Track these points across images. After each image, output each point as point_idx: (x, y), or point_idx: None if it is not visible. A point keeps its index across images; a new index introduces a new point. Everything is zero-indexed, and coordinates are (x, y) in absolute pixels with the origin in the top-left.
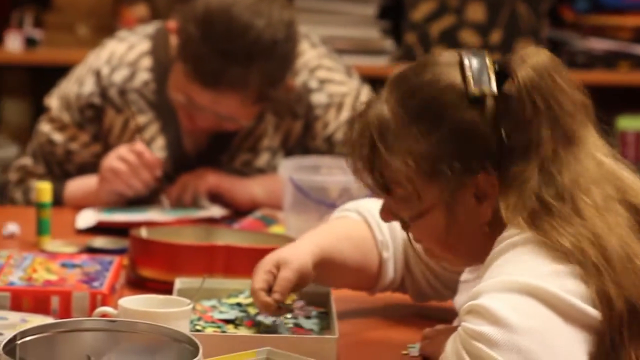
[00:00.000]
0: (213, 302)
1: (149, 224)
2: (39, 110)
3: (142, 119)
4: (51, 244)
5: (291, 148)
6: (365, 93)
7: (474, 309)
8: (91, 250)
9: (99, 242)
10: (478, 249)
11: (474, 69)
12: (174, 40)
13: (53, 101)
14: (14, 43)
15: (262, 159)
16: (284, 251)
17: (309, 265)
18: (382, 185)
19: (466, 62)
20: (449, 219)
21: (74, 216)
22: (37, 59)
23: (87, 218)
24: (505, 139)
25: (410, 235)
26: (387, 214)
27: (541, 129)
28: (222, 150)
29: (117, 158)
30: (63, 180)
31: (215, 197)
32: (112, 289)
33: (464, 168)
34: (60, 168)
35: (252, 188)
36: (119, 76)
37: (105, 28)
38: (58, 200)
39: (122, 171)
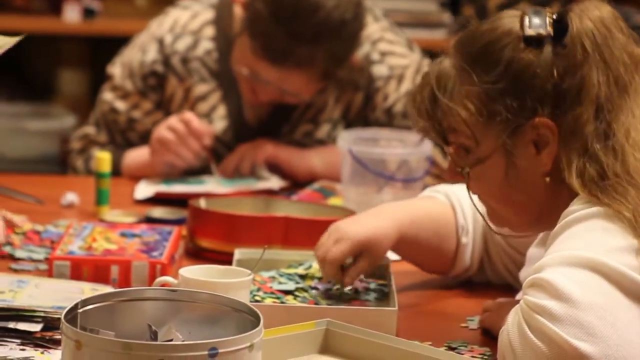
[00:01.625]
0: (272, 273)
1: (208, 195)
2: (96, 80)
3: (203, 88)
4: (110, 213)
5: (352, 120)
6: (426, 66)
7: (537, 282)
8: (150, 221)
9: (158, 212)
10: (539, 205)
11: (532, 16)
12: (238, 10)
13: (116, 69)
14: (72, 14)
15: (323, 131)
16: (369, 230)
17: (388, 248)
18: (441, 135)
19: (526, 13)
20: (508, 166)
21: (132, 187)
22: (95, 29)
23: (145, 189)
24: (559, 82)
25: (472, 194)
26: (451, 172)
27: (592, 73)
28: (283, 121)
29: (166, 128)
30: (125, 149)
31: (274, 168)
32: (172, 259)
33: (520, 108)
34: (122, 136)
35: (310, 159)
36: (182, 44)
37: None
38: (116, 170)
39: (170, 141)
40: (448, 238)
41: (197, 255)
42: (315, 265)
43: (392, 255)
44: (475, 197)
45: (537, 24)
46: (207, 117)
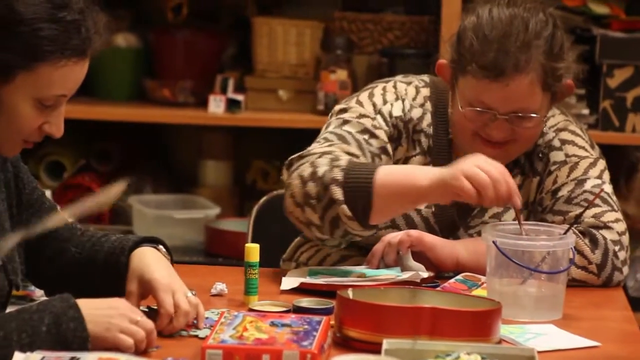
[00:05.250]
0: None
1: (354, 286)
2: (238, 171)
3: (419, 161)
4: (259, 303)
5: (530, 206)
6: (602, 164)
7: None
8: (298, 310)
9: (306, 302)
10: None
11: None
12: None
13: (352, 104)
14: (216, 106)
15: (510, 214)
16: None
17: None
18: None
19: None
20: None
21: (278, 277)
22: (238, 121)
23: (291, 280)
24: None
25: None
26: None
27: None
28: None
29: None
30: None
31: (418, 255)
32: (321, 349)
33: None
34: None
35: (456, 248)
36: (415, 114)
37: (306, 92)
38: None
39: (485, 182)
40: None
41: (344, 344)
42: (463, 356)
43: (540, 345)
44: None
45: None
46: None
